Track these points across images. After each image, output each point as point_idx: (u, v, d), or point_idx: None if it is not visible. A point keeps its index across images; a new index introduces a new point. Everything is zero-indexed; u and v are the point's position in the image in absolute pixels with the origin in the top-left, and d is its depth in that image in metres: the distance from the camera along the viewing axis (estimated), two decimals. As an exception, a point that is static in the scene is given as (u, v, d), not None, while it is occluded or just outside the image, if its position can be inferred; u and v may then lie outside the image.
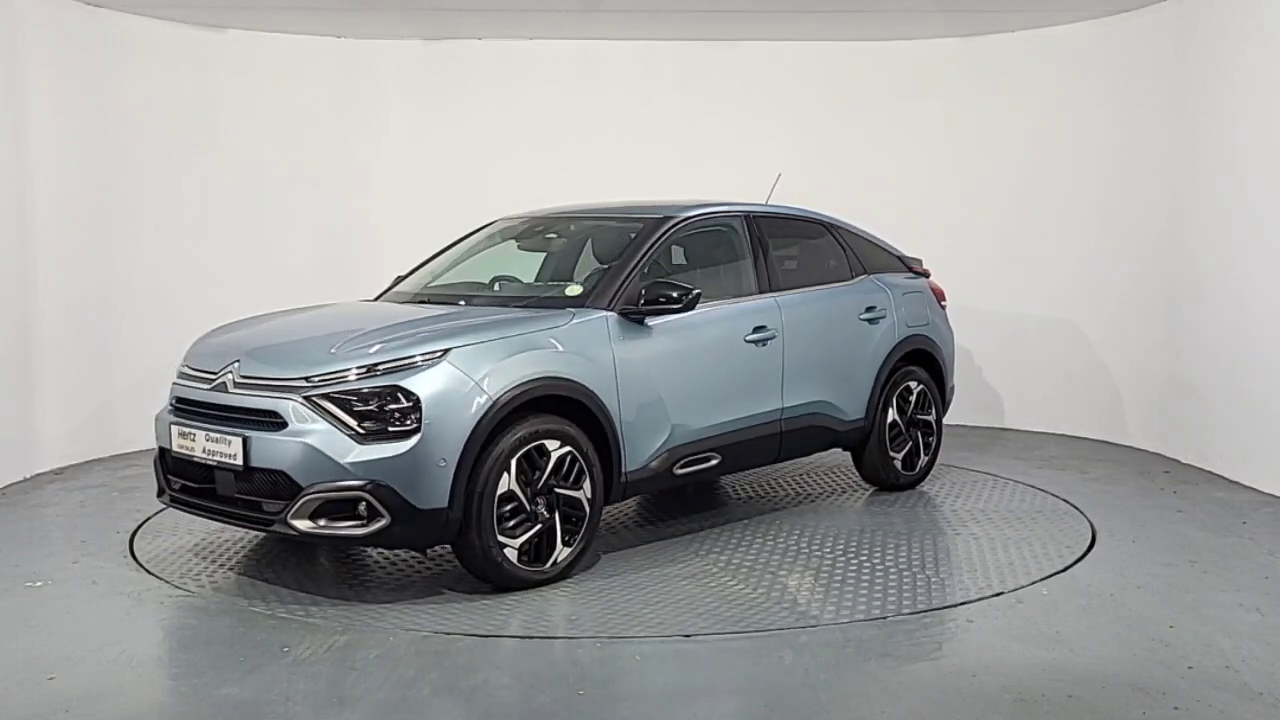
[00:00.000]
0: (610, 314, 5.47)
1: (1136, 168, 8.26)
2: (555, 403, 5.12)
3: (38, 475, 7.47)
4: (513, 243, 6.62)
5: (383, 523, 4.69)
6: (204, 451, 5.00)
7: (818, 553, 5.64)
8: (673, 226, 6.01)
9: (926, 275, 7.43)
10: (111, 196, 8.10)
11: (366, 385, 4.75)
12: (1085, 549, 5.68)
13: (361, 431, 4.71)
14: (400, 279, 6.61)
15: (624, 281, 5.61)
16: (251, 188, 8.77)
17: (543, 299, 5.74)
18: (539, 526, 5.03)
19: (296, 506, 4.71)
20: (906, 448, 7.03)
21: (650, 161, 9.13)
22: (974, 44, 9.08)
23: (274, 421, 4.80)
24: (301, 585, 5.14)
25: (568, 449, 5.11)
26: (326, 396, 4.76)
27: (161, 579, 5.26)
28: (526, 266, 6.57)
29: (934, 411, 7.22)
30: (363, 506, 4.69)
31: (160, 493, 5.44)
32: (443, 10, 8.33)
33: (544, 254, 6.60)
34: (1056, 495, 6.83)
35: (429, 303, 5.92)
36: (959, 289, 9.25)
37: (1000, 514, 6.42)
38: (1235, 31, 7.18)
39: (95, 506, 6.69)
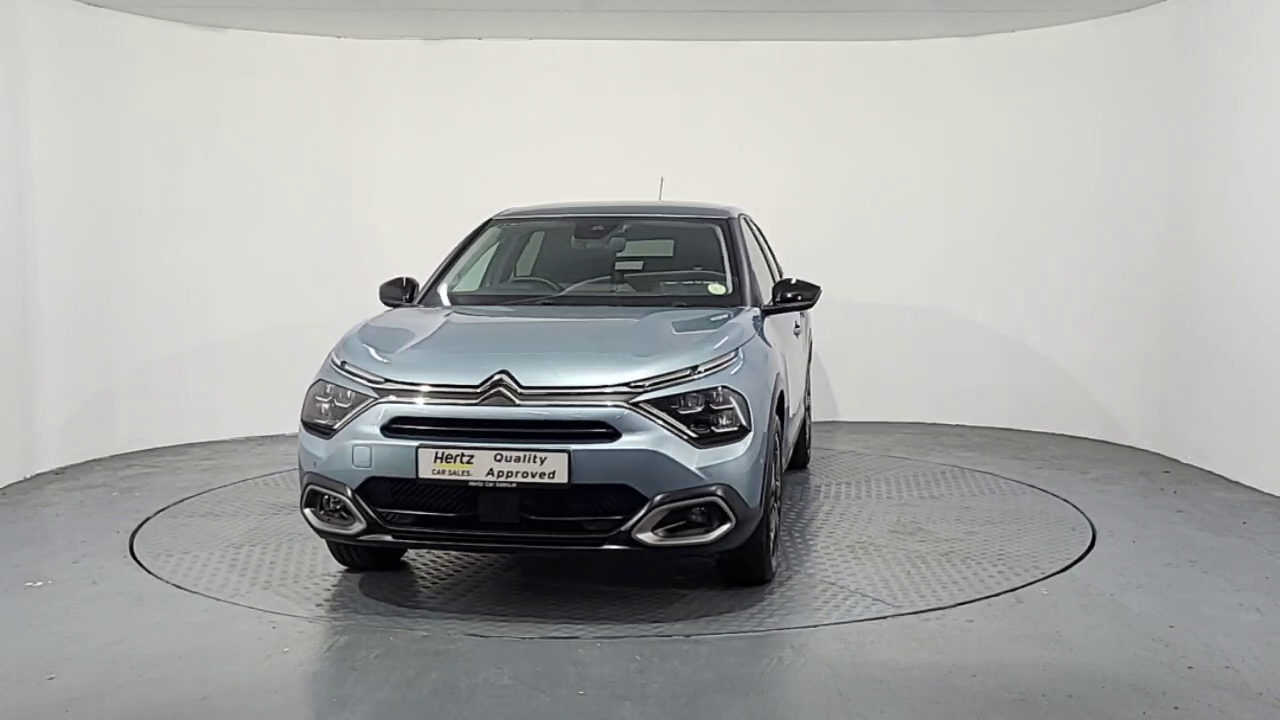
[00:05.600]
0: (758, 311, 5.53)
1: (1136, 168, 8.26)
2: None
3: (38, 475, 7.47)
4: (570, 240, 6.44)
5: (726, 527, 4.51)
6: (492, 474, 4.41)
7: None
8: (738, 225, 6.14)
9: None
10: (111, 196, 8.10)
11: (695, 387, 4.55)
12: (1085, 549, 5.69)
13: (695, 435, 4.50)
14: (410, 282, 5.89)
15: (750, 280, 5.69)
16: (251, 188, 8.77)
17: (699, 298, 5.71)
18: (774, 522, 5.10)
19: (643, 519, 4.41)
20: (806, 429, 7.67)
21: (650, 161, 9.12)
22: (974, 44, 9.08)
23: (598, 432, 4.44)
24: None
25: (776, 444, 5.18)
26: (653, 401, 4.49)
27: (161, 579, 5.26)
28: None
29: (810, 398, 7.82)
30: (697, 513, 4.48)
31: (366, 530, 4.59)
32: (443, 10, 8.33)
33: (601, 254, 6.39)
34: (1056, 495, 6.84)
35: (555, 304, 5.73)
36: (959, 289, 9.29)
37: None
38: (1235, 31, 7.18)
39: (95, 506, 6.69)
